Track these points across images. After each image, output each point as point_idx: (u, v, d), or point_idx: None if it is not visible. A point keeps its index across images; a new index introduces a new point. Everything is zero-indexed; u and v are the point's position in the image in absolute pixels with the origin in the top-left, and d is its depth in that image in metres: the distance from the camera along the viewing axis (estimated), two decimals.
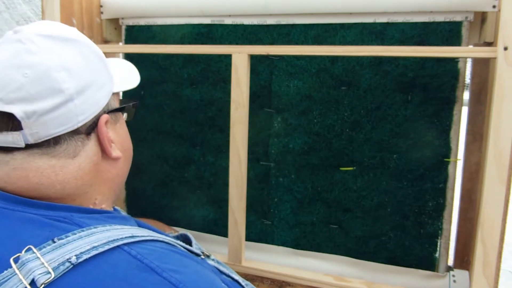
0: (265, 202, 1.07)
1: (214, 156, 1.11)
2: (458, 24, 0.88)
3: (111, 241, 0.40)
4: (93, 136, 0.49)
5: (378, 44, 0.93)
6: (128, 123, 0.61)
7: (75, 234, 0.40)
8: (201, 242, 1.13)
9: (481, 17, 0.88)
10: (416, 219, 0.95)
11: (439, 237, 0.94)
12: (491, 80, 0.80)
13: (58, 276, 0.36)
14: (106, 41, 1.18)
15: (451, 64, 0.90)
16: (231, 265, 0.95)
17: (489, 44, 0.84)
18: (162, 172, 1.17)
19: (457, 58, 0.88)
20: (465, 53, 0.80)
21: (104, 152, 0.50)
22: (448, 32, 0.89)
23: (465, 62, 0.90)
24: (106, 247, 0.40)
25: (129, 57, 1.17)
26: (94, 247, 0.39)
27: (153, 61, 1.13)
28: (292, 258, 1.05)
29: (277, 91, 1.03)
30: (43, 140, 0.44)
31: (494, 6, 0.82)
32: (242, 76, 0.87)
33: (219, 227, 1.13)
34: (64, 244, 0.39)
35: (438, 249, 0.95)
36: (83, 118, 0.46)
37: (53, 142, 0.45)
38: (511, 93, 0.72)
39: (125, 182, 1.23)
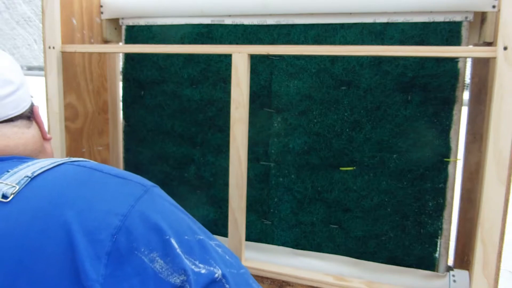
0: (265, 202, 1.07)
1: (214, 156, 1.11)
2: (458, 24, 0.88)
3: (54, 161, 0.51)
4: (32, 120, 0.65)
5: (378, 44, 0.93)
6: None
7: (23, 165, 0.51)
8: None
9: (481, 17, 0.88)
10: (416, 219, 0.95)
11: (439, 237, 0.94)
12: (491, 80, 0.80)
13: (22, 187, 0.47)
14: (106, 41, 1.18)
15: (451, 64, 0.90)
16: None
17: (489, 44, 0.84)
18: (162, 172, 1.17)
19: (457, 58, 0.88)
20: (465, 53, 0.80)
21: (41, 132, 0.66)
22: (448, 32, 0.89)
23: (465, 62, 0.90)
24: (52, 165, 0.50)
25: (129, 57, 1.17)
26: (42, 167, 0.50)
27: (153, 61, 1.13)
28: (292, 258, 1.05)
29: (277, 91, 1.03)
30: (2, 120, 0.59)
31: (493, 6, 0.82)
32: (242, 76, 0.87)
33: (219, 227, 1.13)
34: (17, 172, 0.50)
35: (438, 249, 0.95)
36: (25, 105, 0.62)
37: (10, 120, 0.60)
38: (511, 93, 0.72)
39: None
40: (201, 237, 0.49)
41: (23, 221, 0.44)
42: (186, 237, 0.47)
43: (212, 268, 0.46)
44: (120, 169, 0.54)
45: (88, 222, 0.43)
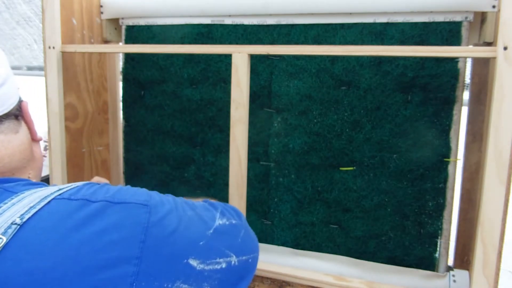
0: (265, 202, 1.07)
1: (214, 156, 1.11)
2: (458, 24, 0.88)
3: (44, 198, 0.45)
4: (20, 119, 0.57)
5: (378, 44, 0.93)
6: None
7: (6, 203, 0.44)
8: None
9: (481, 17, 0.88)
10: (416, 219, 0.95)
11: (439, 237, 0.94)
12: (491, 80, 0.80)
13: (9, 238, 0.40)
14: (106, 41, 1.18)
15: (451, 64, 0.90)
16: None
17: (489, 44, 0.84)
18: (162, 172, 1.17)
19: (457, 58, 0.88)
20: (465, 53, 0.80)
21: (30, 133, 0.58)
22: (448, 32, 0.89)
23: (465, 62, 0.90)
24: (42, 203, 0.44)
25: (129, 57, 1.17)
26: (31, 207, 0.43)
27: (153, 61, 1.13)
28: (292, 258, 1.05)
29: (277, 91, 1.03)
30: None
31: (493, 6, 0.82)
32: (242, 76, 0.87)
33: None
34: (1, 214, 0.43)
35: (438, 249, 0.95)
36: (12, 101, 0.54)
37: None
38: (511, 93, 0.72)
39: (125, 182, 1.24)
40: (210, 232, 0.48)
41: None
42: (201, 243, 0.45)
43: (228, 259, 0.47)
44: (114, 187, 0.49)
45: (96, 282, 0.38)
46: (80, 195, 0.46)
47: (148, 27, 1.12)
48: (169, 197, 0.51)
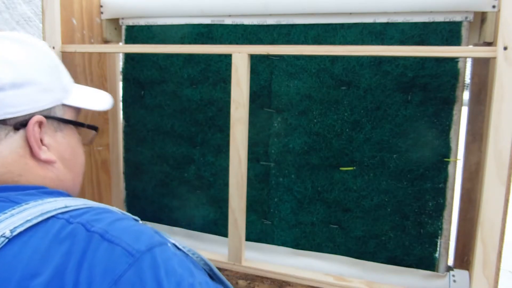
0: (265, 202, 1.07)
1: (214, 156, 1.11)
2: (458, 24, 0.88)
3: (45, 213, 0.42)
4: (21, 132, 0.51)
5: (378, 44, 0.93)
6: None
7: (6, 213, 0.42)
8: (201, 242, 1.13)
9: (481, 17, 0.88)
10: (416, 219, 0.95)
11: (439, 237, 0.94)
12: (491, 80, 0.80)
13: None
14: (106, 41, 1.18)
15: (451, 64, 0.90)
16: (231, 265, 0.96)
17: (489, 44, 0.84)
18: (162, 172, 1.17)
19: (457, 58, 0.88)
20: (465, 53, 0.80)
21: (31, 150, 0.52)
22: (448, 32, 0.89)
23: (465, 62, 0.90)
24: (40, 219, 0.42)
25: (129, 57, 1.17)
26: (27, 220, 0.41)
27: (153, 61, 1.13)
28: (292, 258, 1.05)
29: (277, 91, 1.03)
30: None
31: (493, 6, 0.82)
32: (242, 76, 0.87)
33: (219, 227, 1.13)
34: None
35: (438, 249, 0.95)
36: (13, 111, 0.49)
37: None
38: (511, 93, 0.72)
39: (125, 182, 1.24)
40: None
41: None
42: None
43: None
44: (130, 221, 0.45)
45: None
46: (79, 219, 0.43)
47: (148, 27, 1.12)
48: (176, 266, 0.42)
